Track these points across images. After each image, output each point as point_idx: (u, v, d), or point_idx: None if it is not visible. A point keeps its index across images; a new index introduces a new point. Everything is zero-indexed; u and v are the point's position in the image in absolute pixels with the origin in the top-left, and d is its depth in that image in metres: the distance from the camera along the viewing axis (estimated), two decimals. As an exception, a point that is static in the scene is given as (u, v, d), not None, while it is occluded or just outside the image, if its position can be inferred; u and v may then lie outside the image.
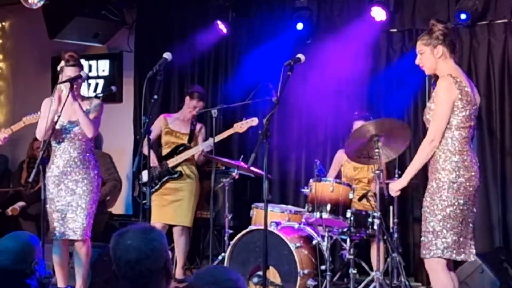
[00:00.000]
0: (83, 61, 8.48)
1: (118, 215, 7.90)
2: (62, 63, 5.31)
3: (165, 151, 6.60)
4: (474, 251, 4.20)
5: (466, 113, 4.12)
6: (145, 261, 2.65)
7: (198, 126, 6.71)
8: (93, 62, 8.52)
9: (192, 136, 6.60)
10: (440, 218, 4.10)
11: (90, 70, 8.40)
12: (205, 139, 6.69)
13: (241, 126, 6.36)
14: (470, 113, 4.14)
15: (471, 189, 4.13)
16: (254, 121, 6.38)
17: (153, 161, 6.45)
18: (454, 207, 4.09)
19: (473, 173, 4.13)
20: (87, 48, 8.39)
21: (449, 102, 4.08)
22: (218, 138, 6.41)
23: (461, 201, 4.09)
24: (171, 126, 6.61)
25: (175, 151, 6.53)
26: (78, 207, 5.29)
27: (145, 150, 5.35)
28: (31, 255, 3.40)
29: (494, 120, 6.30)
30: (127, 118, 8.11)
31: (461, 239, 4.13)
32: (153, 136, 6.59)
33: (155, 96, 4.88)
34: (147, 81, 4.63)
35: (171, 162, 6.50)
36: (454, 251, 4.12)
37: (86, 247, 5.44)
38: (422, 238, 4.18)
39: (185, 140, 6.58)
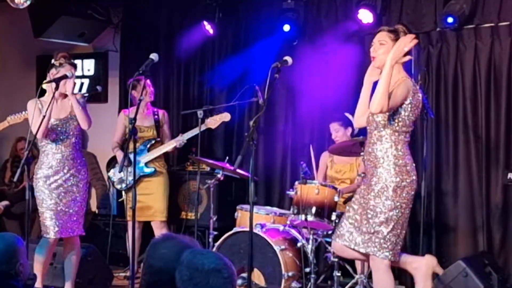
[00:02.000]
0: (68, 60, 8.48)
1: (102, 215, 7.87)
2: (62, 59, 5.36)
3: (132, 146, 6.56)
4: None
5: (412, 117, 4.25)
6: (166, 275, 2.61)
7: (161, 113, 6.71)
8: (78, 62, 8.45)
9: (158, 128, 6.60)
10: (382, 220, 4.22)
11: (75, 70, 8.33)
12: (170, 125, 6.71)
13: (214, 121, 6.37)
14: (415, 118, 4.29)
15: (412, 193, 4.28)
16: (226, 117, 6.41)
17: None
18: (397, 210, 4.23)
19: (414, 177, 4.28)
20: (73, 47, 8.33)
21: (404, 97, 4.18)
22: (190, 134, 6.44)
23: (404, 205, 4.24)
24: None
25: (145, 147, 6.53)
26: (73, 204, 5.31)
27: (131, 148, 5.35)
28: (16, 256, 3.36)
29: (480, 124, 6.31)
30: (112, 118, 8.05)
31: (398, 240, 4.29)
32: (120, 134, 6.62)
33: (141, 97, 4.86)
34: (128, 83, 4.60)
35: (143, 159, 6.50)
36: (392, 253, 4.27)
37: (78, 245, 5.47)
38: (366, 236, 4.26)
39: (150, 133, 6.58)
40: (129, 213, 6.42)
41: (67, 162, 5.33)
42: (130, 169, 6.32)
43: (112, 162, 6.88)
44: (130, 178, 6.44)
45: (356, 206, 4.36)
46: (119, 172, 6.28)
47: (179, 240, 2.73)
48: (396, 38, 4.28)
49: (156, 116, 6.62)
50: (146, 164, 6.51)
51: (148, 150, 6.54)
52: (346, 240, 4.35)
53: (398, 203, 4.22)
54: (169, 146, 6.54)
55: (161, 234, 2.83)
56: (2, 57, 9.07)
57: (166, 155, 6.78)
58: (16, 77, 8.86)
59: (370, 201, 4.28)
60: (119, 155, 6.57)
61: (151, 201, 6.51)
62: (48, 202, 5.28)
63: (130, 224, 6.23)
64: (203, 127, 6.40)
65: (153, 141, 6.57)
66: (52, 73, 5.33)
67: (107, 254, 6.68)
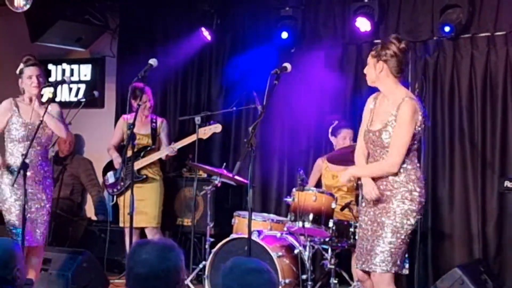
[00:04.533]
0: (65, 65, 8.50)
1: (97, 221, 7.85)
2: (21, 65, 5.24)
3: (129, 152, 6.58)
4: None
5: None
6: (155, 279, 2.62)
7: (159, 121, 6.72)
8: (75, 67, 8.46)
9: (154, 136, 6.61)
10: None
11: (72, 75, 8.34)
12: (168, 133, 6.72)
13: (204, 132, 6.38)
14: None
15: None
16: (217, 128, 6.41)
17: (117, 163, 6.51)
18: None
19: None
20: (69, 52, 8.33)
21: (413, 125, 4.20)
22: (181, 144, 6.45)
23: None
24: None
25: (139, 154, 6.52)
26: (40, 212, 5.16)
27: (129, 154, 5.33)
28: (13, 261, 3.34)
29: (476, 133, 6.34)
30: (108, 123, 8.04)
31: None
32: (117, 139, 6.65)
33: (140, 103, 4.86)
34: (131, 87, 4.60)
35: (136, 165, 6.49)
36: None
37: (42, 254, 5.31)
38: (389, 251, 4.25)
39: (145, 141, 6.61)
40: (122, 218, 6.41)
41: (34, 167, 5.13)
42: (119, 174, 6.42)
43: (108, 167, 6.85)
44: (123, 183, 6.48)
45: None
46: (117, 176, 6.30)
47: (154, 243, 2.73)
48: (378, 54, 4.28)
49: (153, 124, 6.63)
50: (138, 171, 6.51)
51: (142, 157, 6.55)
52: None
53: None
54: (161, 154, 6.55)
55: (134, 243, 2.79)
56: (-2, 61, 9.05)
57: (161, 162, 6.78)
58: (12, 81, 8.80)
59: (398, 215, 4.30)
60: (115, 157, 6.58)
61: (143, 207, 6.49)
62: (14, 208, 5.10)
63: (126, 230, 6.23)
64: (194, 137, 6.39)
65: (148, 149, 6.57)
66: (20, 82, 5.29)
67: (104, 261, 6.66)
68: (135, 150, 6.50)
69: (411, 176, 4.22)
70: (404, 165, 4.21)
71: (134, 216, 6.18)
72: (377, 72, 4.25)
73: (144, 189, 6.50)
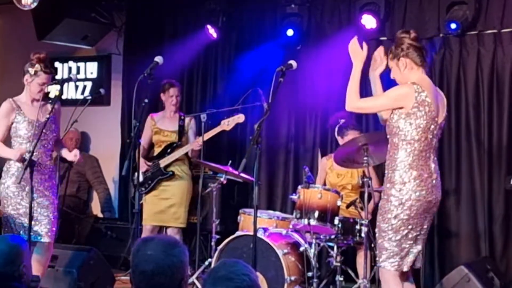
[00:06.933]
0: (71, 63, 8.52)
1: (104, 219, 7.87)
2: (38, 67, 5.14)
3: (156, 150, 6.61)
4: None
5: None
6: (160, 275, 2.63)
7: (187, 119, 6.67)
8: (81, 64, 8.49)
9: (181, 133, 6.57)
10: None
11: (78, 72, 8.38)
12: (196, 131, 6.67)
13: (228, 124, 6.34)
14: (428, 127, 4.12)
15: None
16: (240, 118, 6.34)
17: (143, 165, 6.42)
18: None
19: None
20: (76, 50, 8.35)
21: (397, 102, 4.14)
22: (207, 136, 6.40)
23: None
24: (159, 125, 6.59)
25: (166, 150, 6.51)
26: (49, 209, 5.14)
27: (136, 154, 5.30)
28: (19, 258, 3.35)
29: (482, 130, 6.33)
30: (114, 121, 8.08)
31: None
32: (146, 138, 6.59)
33: (146, 100, 4.86)
34: (138, 84, 4.61)
35: (162, 162, 6.47)
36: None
37: (50, 251, 5.29)
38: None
39: (173, 138, 6.54)
40: (145, 216, 6.36)
41: (42, 164, 5.13)
42: (149, 173, 6.40)
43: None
44: (150, 181, 6.46)
45: None
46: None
47: (158, 239, 2.74)
48: (395, 54, 4.29)
49: (181, 121, 6.57)
50: (165, 167, 6.47)
51: (169, 154, 6.51)
52: None
53: None
54: (186, 149, 6.48)
55: (139, 240, 2.80)
56: (5, 59, 9.08)
57: (190, 161, 6.70)
58: (19, 78, 8.80)
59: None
60: (142, 161, 6.44)
61: (168, 206, 6.45)
62: (21, 205, 5.08)
63: (145, 228, 6.22)
64: (219, 129, 6.34)
65: (174, 145, 6.53)
66: (27, 80, 5.20)
67: (108, 257, 6.66)
68: (162, 147, 6.52)
69: None
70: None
71: (158, 215, 6.25)
72: (401, 69, 4.22)
73: (170, 187, 6.44)
